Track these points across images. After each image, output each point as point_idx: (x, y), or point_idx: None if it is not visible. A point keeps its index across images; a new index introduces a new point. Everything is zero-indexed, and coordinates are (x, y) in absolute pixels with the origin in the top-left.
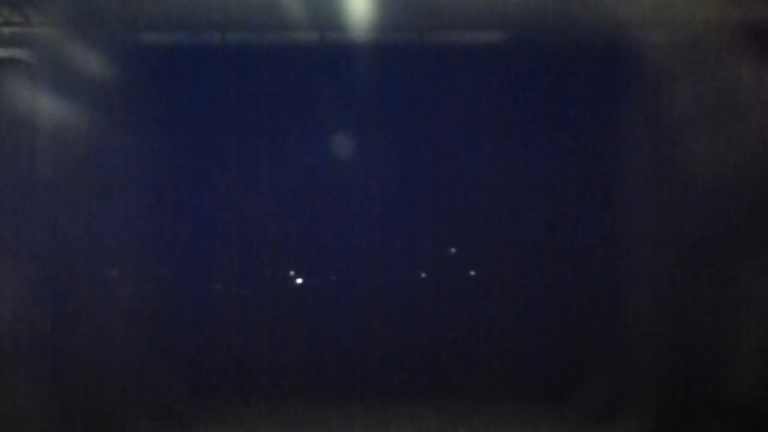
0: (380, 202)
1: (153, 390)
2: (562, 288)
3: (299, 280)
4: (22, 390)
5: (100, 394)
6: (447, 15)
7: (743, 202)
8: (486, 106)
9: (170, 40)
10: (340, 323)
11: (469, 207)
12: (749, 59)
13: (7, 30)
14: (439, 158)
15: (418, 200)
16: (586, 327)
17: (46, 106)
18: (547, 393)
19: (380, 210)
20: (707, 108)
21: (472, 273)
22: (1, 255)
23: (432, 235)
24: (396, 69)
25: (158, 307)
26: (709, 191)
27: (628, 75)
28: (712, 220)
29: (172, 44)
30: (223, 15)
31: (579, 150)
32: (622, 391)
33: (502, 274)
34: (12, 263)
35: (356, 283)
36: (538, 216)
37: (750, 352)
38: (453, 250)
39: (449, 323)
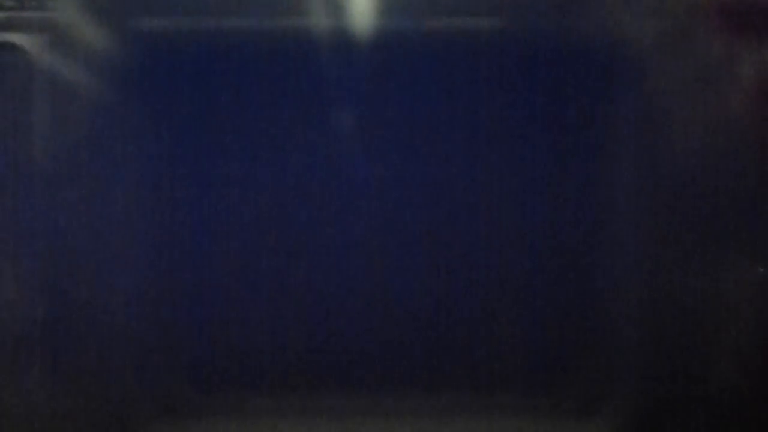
0: (380, 195)
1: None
2: (548, 280)
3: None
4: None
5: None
6: (446, 0)
7: (730, 195)
8: (488, 96)
9: (169, 26)
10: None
11: (464, 200)
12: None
13: (0, 14)
14: (438, 147)
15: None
16: (573, 320)
17: (42, 93)
18: (531, 385)
19: (375, 201)
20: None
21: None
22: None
23: (435, 232)
24: (396, 55)
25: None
26: (697, 183)
27: (629, 61)
28: (700, 215)
29: (171, 29)
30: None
31: (582, 141)
32: (609, 384)
33: (489, 266)
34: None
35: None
36: (535, 207)
37: (736, 346)
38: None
39: (431, 316)
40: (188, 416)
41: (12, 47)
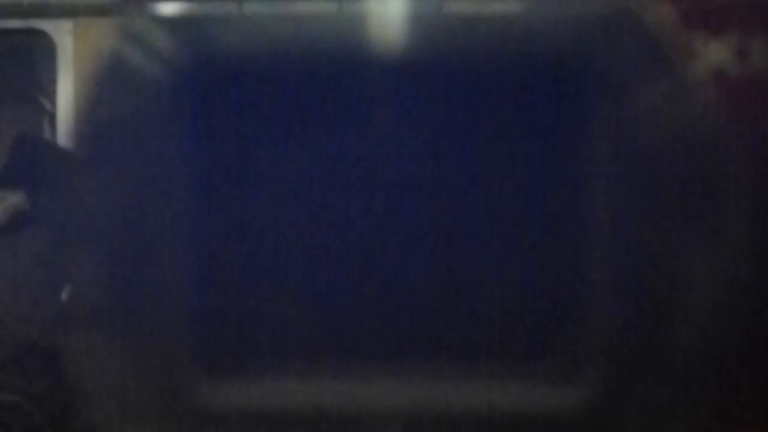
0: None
1: None
2: (528, 250)
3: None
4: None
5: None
6: None
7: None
8: (510, 80)
9: (192, 10)
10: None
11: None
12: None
13: (27, 0)
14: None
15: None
16: (550, 289)
17: (68, 79)
18: (509, 350)
19: (395, 189)
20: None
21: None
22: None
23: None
24: (418, 39)
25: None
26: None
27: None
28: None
29: (194, 14)
30: None
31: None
32: (585, 348)
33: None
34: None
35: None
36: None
37: (712, 311)
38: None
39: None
40: None
41: (38, 33)
